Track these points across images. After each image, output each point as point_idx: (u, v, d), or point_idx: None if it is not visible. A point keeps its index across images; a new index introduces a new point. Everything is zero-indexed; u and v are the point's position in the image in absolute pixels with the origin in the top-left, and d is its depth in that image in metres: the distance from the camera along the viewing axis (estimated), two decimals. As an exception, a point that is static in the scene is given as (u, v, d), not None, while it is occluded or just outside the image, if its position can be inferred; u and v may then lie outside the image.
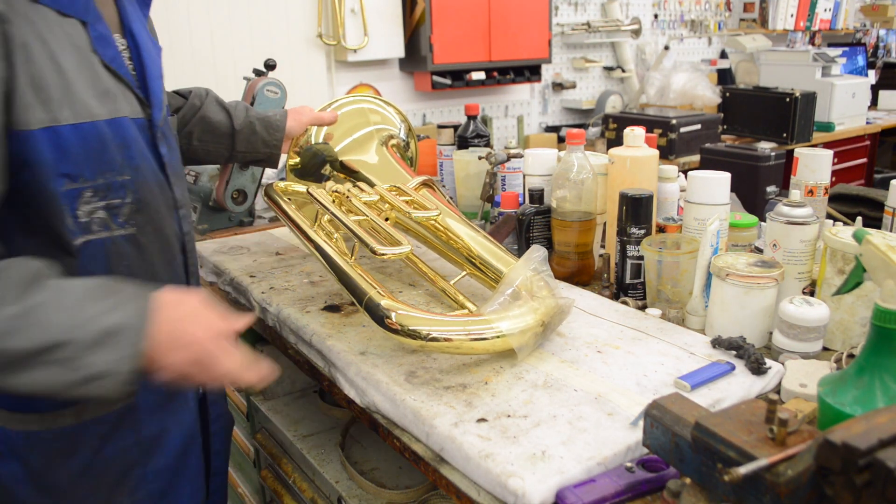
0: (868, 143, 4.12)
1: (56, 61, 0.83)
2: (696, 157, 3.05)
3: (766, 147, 2.87)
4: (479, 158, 1.68)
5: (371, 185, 1.30)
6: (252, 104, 1.62)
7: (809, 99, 3.46)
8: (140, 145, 0.94)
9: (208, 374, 0.82)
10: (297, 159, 1.44)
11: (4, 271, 0.76)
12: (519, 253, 1.34)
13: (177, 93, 1.31)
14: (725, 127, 3.63)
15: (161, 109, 0.99)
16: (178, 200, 1.02)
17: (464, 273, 1.19)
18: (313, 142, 1.44)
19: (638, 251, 1.19)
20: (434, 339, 0.92)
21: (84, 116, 0.87)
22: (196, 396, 1.10)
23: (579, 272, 1.33)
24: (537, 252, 1.05)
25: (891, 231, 1.24)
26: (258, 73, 1.67)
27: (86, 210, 0.89)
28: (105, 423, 0.95)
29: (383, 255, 1.03)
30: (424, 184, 1.31)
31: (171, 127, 1.05)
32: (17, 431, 0.92)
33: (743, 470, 0.55)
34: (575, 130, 1.31)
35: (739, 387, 0.91)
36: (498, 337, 0.94)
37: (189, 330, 0.80)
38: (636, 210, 1.18)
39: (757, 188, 2.46)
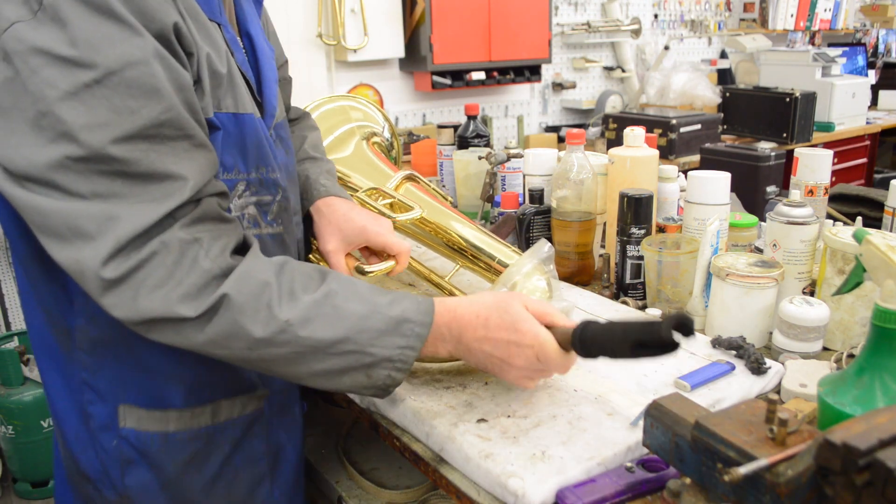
0: (868, 143, 4.12)
1: (219, 57, 0.85)
2: (696, 157, 3.05)
3: (766, 147, 2.87)
4: (479, 158, 1.68)
5: (353, 190, 1.24)
6: None
7: (809, 99, 3.46)
8: (272, 146, 0.95)
9: (501, 373, 0.85)
10: None
11: (293, 261, 0.80)
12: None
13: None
14: (725, 127, 3.63)
15: (274, 113, 0.98)
16: (294, 206, 1.01)
17: (457, 266, 1.19)
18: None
19: (638, 251, 1.19)
20: None
21: (244, 108, 0.88)
22: (302, 410, 1.07)
23: (579, 272, 1.33)
24: (544, 247, 1.04)
25: (891, 231, 1.24)
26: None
27: (238, 204, 0.90)
28: (238, 426, 0.94)
29: (370, 272, 1.02)
30: (407, 178, 1.27)
31: (287, 132, 1.04)
32: (154, 433, 0.88)
33: (743, 470, 0.55)
34: (575, 130, 1.31)
35: (739, 387, 0.91)
36: None
37: (485, 349, 0.83)
38: (636, 210, 1.18)
39: (757, 188, 2.46)
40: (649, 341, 0.73)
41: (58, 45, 0.70)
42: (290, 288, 0.77)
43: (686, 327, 0.70)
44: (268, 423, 0.98)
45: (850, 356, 0.95)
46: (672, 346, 0.71)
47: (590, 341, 0.79)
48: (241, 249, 0.79)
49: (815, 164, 1.29)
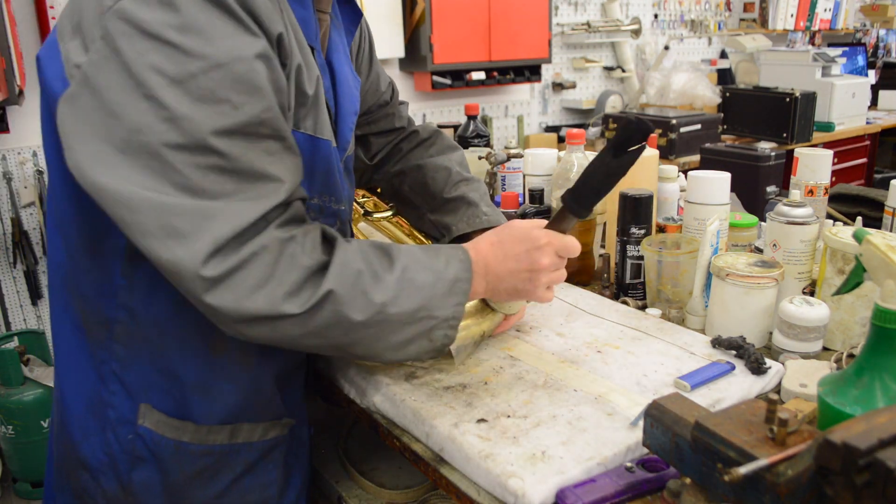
0: (868, 143, 4.12)
1: (309, 77, 0.86)
2: (696, 157, 3.05)
3: (766, 147, 2.87)
4: (479, 158, 1.68)
5: None
6: None
7: (809, 99, 3.47)
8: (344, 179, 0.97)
9: (531, 288, 0.93)
10: None
11: (362, 245, 0.82)
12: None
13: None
14: (725, 127, 3.63)
15: (346, 147, 0.99)
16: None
17: None
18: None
19: (638, 251, 1.19)
20: None
21: (322, 133, 0.89)
22: (309, 433, 1.08)
23: (579, 272, 1.33)
24: None
25: (891, 231, 1.23)
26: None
27: None
28: (255, 450, 0.94)
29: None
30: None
31: (352, 164, 1.05)
32: (169, 439, 0.88)
33: (743, 470, 0.55)
34: (575, 130, 1.32)
35: (739, 387, 0.91)
36: None
37: (510, 267, 0.91)
38: (636, 210, 1.18)
39: (757, 188, 2.47)
40: (619, 141, 0.85)
41: (167, 29, 0.70)
42: (374, 270, 0.80)
43: (639, 122, 0.83)
44: (286, 450, 0.98)
45: (850, 356, 0.95)
46: (640, 130, 0.84)
47: (581, 196, 0.90)
48: (329, 240, 0.81)
49: (815, 164, 1.29)
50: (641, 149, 0.85)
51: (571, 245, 0.93)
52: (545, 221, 0.95)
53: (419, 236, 1.31)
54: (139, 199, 0.70)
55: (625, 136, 0.84)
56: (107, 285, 0.84)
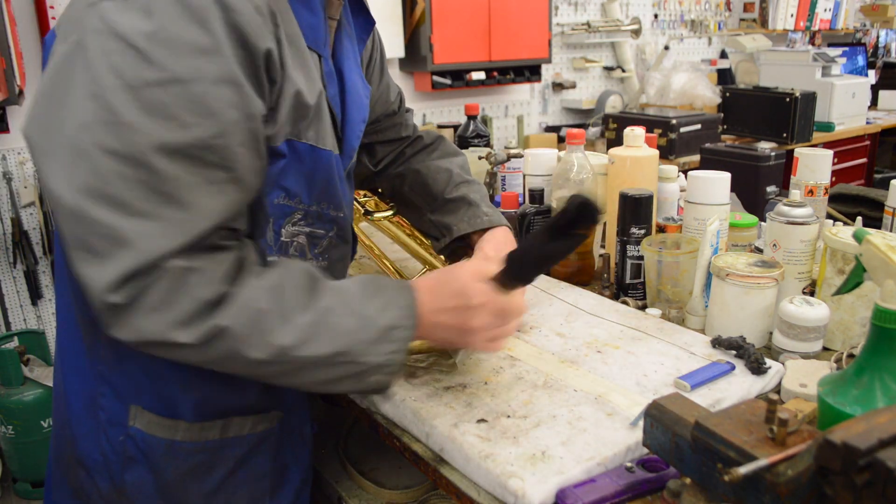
0: (868, 143, 4.12)
1: (310, 88, 0.85)
2: (696, 157, 3.05)
3: (766, 147, 2.87)
4: (479, 158, 1.68)
5: None
6: None
7: (809, 99, 3.47)
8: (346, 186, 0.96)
9: (466, 342, 0.88)
10: None
11: (286, 273, 0.79)
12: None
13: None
14: (725, 127, 3.63)
15: (352, 155, 0.98)
16: (347, 241, 1.01)
17: (424, 269, 1.22)
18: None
19: (638, 251, 1.19)
20: None
21: (323, 143, 0.89)
22: (311, 431, 1.07)
23: (579, 272, 1.33)
24: None
25: (891, 231, 1.24)
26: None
27: (289, 231, 0.90)
28: (246, 443, 0.94)
29: None
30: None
31: (352, 172, 1.04)
32: (160, 439, 0.88)
33: (743, 470, 0.55)
34: (575, 130, 1.32)
35: (739, 387, 0.91)
36: None
37: (441, 320, 0.86)
38: (636, 210, 1.18)
39: (757, 188, 2.47)
40: (563, 223, 0.78)
41: (137, 35, 0.69)
42: (283, 311, 0.76)
43: (587, 204, 0.76)
44: (277, 442, 0.98)
45: (850, 356, 0.95)
46: (585, 218, 0.77)
47: (523, 269, 0.84)
48: (237, 271, 0.77)
49: (815, 164, 1.29)
50: (590, 232, 0.79)
51: (511, 308, 0.86)
52: (492, 270, 0.86)
53: (420, 236, 1.31)
54: (64, 205, 0.70)
55: (572, 216, 0.77)
56: None
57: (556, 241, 0.80)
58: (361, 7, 1.04)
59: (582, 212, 0.76)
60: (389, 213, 1.30)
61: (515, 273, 0.84)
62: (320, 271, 0.83)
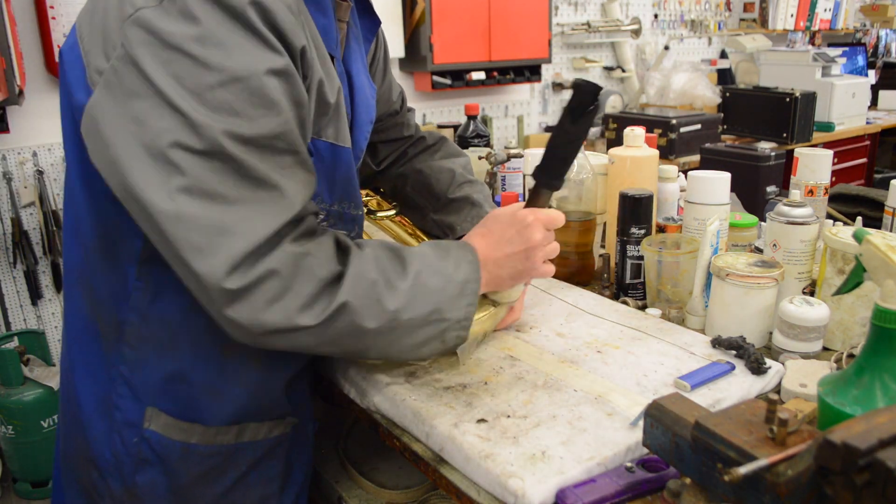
0: (868, 143, 4.12)
1: (330, 86, 0.86)
2: (696, 157, 3.05)
3: (766, 147, 2.87)
4: (479, 158, 1.68)
5: None
6: None
7: (809, 99, 3.46)
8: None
9: (530, 265, 0.95)
10: None
11: (375, 246, 0.84)
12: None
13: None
14: (725, 127, 3.63)
15: (360, 155, 1.00)
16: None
17: None
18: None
19: (638, 251, 1.19)
20: None
21: (343, 141, 0.90)
22: (313, 430, 1.08)
23: (579, 272, 1.33)
24: None
25: (891, 231, 1.24)
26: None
27: None
28: (260, 447, 0.95)
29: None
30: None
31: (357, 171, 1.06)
32: (176, 441, 0.89)
33: (743, 470, 0.55)
34: (575, 130, 1.31)
35: (739, 387, 0.91)
36: None
37: (506, 252, 0.93)
38: (636, 210, 1.18)
39: (757, 188, 2.46)
40: (574, 106, 0.87)
41: (187, 41, 0.71)
42: (387, 278, 0.81)
43: (586, 84, 0.86)
44: (288, 445, 0.99)
45: (850, 356, 0.95)
46: (591, 92, 0.86)
47: (550, 168, 0.93)
48: (342, 249, 0.81)
49: (815, 164, 1.29)
50: (595, 109, 0.87)
51: (556, 217, 0.96)
52: (522, 204, 0.97)
53: (422, 236, 1.32)
54: (162, 211, 0.71)
55: (579, 100, 0.86)
56: (120, 288, 0.85)
57: (574, 124, 0.88)
58: (367, 7, 1.05)
59: (586, 91, 0.86)
60: (392, 212, 1.30)
61: (550, 170, 0.93)
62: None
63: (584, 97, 0.86)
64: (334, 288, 0.77)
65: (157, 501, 0.90)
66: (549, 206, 0.99)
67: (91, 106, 0.74)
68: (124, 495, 0.90)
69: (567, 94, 4.06)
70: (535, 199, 0.96)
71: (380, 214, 1.29)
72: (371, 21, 1.07)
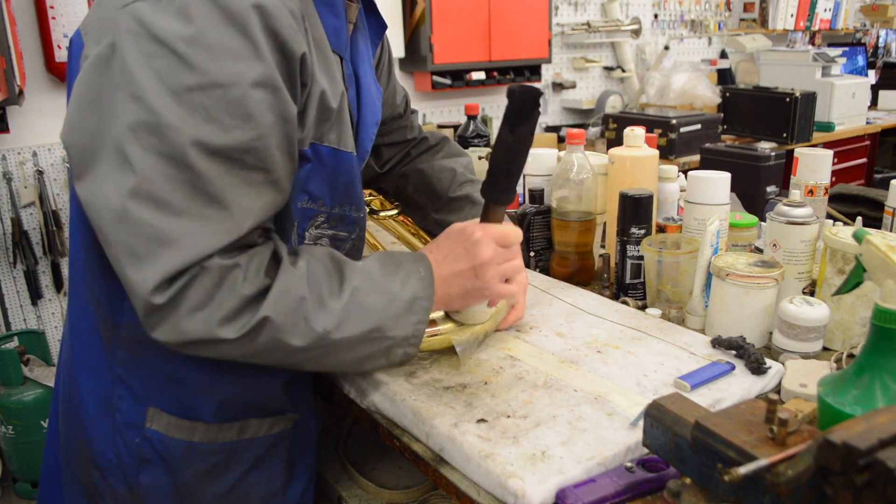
0: (868, 143, 4.12)
1: (334, 91, 0.85)
2: (696, 157, 3.05)
3: (766, 147, 2.87)
4: (479, 158, 1.68)
5: None
6: None
7: (809, 99, 3.47)
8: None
9: (482, 285, 0.90)
10: None
11: (314, 260, 0.81)
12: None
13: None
14: (725, 127, 3.63)
15: (365, 157, 0.99)
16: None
17: None
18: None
19: (638, 251, 1.19)
20: None
21: (345, 146, 0.89)
22: (316, 428, 1.08)
23: (579, 272, 1.33)
24: None
25: (891, 231, 1.24)
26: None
27: (313, 234, 0.91)
28: (262, 444, 0.94)
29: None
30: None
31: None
32: (178, 441, 0.89)
33: (743, 470, 0.55)
34: (575, 130, 1.31)
35: (739, 387, 0.91)
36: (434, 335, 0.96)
37: (454, 269, 0.89)
38: (636, 210, 1.18)
39: (757, 188, 2.46)
40: (510, 114, 0.81)
41: (177, 39, 0.70)
42: (319, 296, 0.79)
43: (522, 89, 0.80)
44: (290, 442, 0.99)
45: (850, 356, 0.95)
46: (529, 98, 0.80)
47: (495, 182, 0.88)
48: (274, 264, 0.79)
49: (815, 164, 1.29)
50: (535, 115, 0.82)
51: (509, 233, 0.91)
52: (477, 220, 0.93)
53: (425, 236, 1.32)
54: (110, 208, 0.71)
55: (514, 107, 0.80)
56: (115, 289, 0.84)
57: (512, 133, 0.82)
58: (373, 9, 1.05)
59: (523, 97, 0.80)
60: (394, 212, 1.31)
61: (495, 185, 0.88)
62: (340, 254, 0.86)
63: (521, 103, 0.80)
64: (257, 303, 0.75)
65: (161, 501, 0.90)
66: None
67: (73, 87, 0.75)
68: (127, 495, 0.90)
69: (567, 94, 4.07)
70: (487, 215, 0.92)
71: (382, 214, 1.30)
72: (377, 23, 1.07)
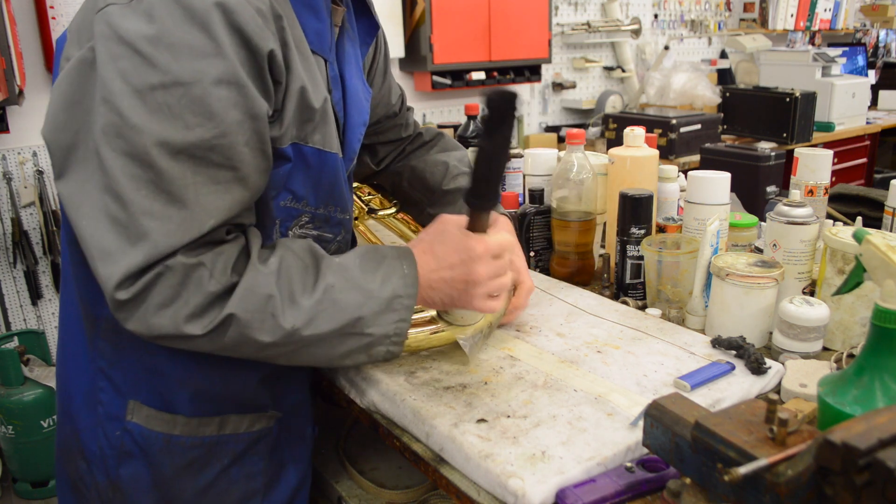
0: (868, 143, 4.12)
1: (315, 92, 0.85)
2: (696, 157, 3.05)
3: (766, 147, 2.87)
4: (479, 158, 1.67)
5: None
6: None
7: (809, 99, 3.47)
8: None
9: (467, 297, 0.88)
10: None
11: (289, 255, 0.80)
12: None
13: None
14: (725, 127, 3.63)
15: (353, 158, 0.99)
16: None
17: None
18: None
19: (638, 251, 1.19)
20: None
21: (330, 146, 0.89)
22: (312, 433, 1.09)
23: (579, 272, 1.33)
24: None
25: (891, 231, 1.24)
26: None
27: (297, 234, 0.91)
28: (242, 441, 0.95)
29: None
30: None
31: (351, 174, 1.05)
32: (158, 433, 0.89)
33: (743, 470, 0.55)
34: (575, 130, 1.31)
35: (739, 387, 0.91)
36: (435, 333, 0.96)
37: (444, 277, 0.87)
38: (636, 210, 1.18)
39: (757, 188, 2.47)
40: (488, 121, 0.79)
41: (140, 39, 0.71)
42: (290, 293, 0.79)
43: (499, 94, 0.76)
44: (274, 442, 0.99)
45: (850, 356, 0.95)
46: (505, 103, 0.77)
47: (477, 190, 0.84)
48: (243, 260, 0.80)
49: (815, 164, 1.29)
50: (511, 119, 0.80)
51: (504, 243, 0.89)
52: (462, 219, 0.89)
53: None
54: (79, 205, 0.73)
55: (492, 114, 0.79)
56: (95, 284, 0.85)
57: (489, 139, 0.80)
58: (365, 10, 1.05)
59: (499, 102, 0.77)
60: (393, 210, 1.31)
61: (477, 192, 0.85)
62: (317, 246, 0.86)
63: (499, 109, 0.79)
64: (223, 300, 0.76)
65: (140, 494, 0.91)
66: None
67: (53, 88, 0.77)
68: (108, 488, 0.91)
69: (567, 94, 4.06)
70: (473, 223, 0.88)
71: (381, 213, 1.30)
72: (369, 24, 1.07)
